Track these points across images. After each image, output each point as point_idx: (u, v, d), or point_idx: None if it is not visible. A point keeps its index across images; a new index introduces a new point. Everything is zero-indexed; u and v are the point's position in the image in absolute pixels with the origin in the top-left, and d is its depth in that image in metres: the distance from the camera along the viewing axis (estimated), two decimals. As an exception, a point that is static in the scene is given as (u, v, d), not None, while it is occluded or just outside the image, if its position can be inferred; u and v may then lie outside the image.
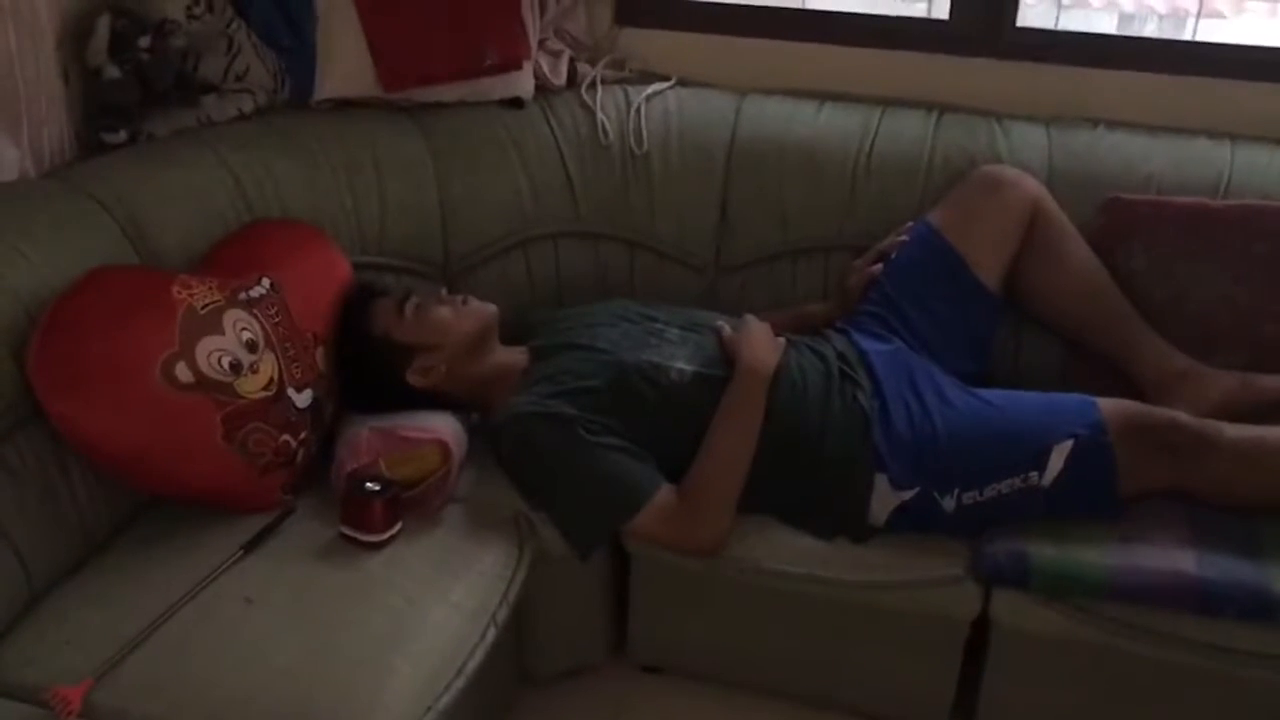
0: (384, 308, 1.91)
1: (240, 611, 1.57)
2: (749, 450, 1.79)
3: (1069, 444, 1.74)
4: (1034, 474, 1.75)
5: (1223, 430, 1.76)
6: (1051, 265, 2.02)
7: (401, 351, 1.88)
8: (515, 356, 1.97)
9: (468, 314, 1.93)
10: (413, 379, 1.89)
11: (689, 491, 1.78)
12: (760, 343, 1.89)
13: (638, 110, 2.31)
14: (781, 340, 1.92)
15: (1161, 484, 1.76)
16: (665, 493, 1.77)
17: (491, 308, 1.97)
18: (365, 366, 1.90)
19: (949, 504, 1.77)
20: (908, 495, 1.78)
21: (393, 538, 1.70)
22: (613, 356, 1.87)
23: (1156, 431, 1.76)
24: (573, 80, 2.40)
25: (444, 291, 2.00)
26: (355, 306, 1.92)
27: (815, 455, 1.81)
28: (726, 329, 1.93)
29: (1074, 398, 1.83)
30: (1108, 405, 1.79)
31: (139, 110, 1.99)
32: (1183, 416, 1.77)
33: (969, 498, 1.77)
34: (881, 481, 1.78)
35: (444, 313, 1.92)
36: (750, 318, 1.96)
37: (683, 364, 1.87)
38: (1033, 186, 2.04)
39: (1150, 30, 3.11)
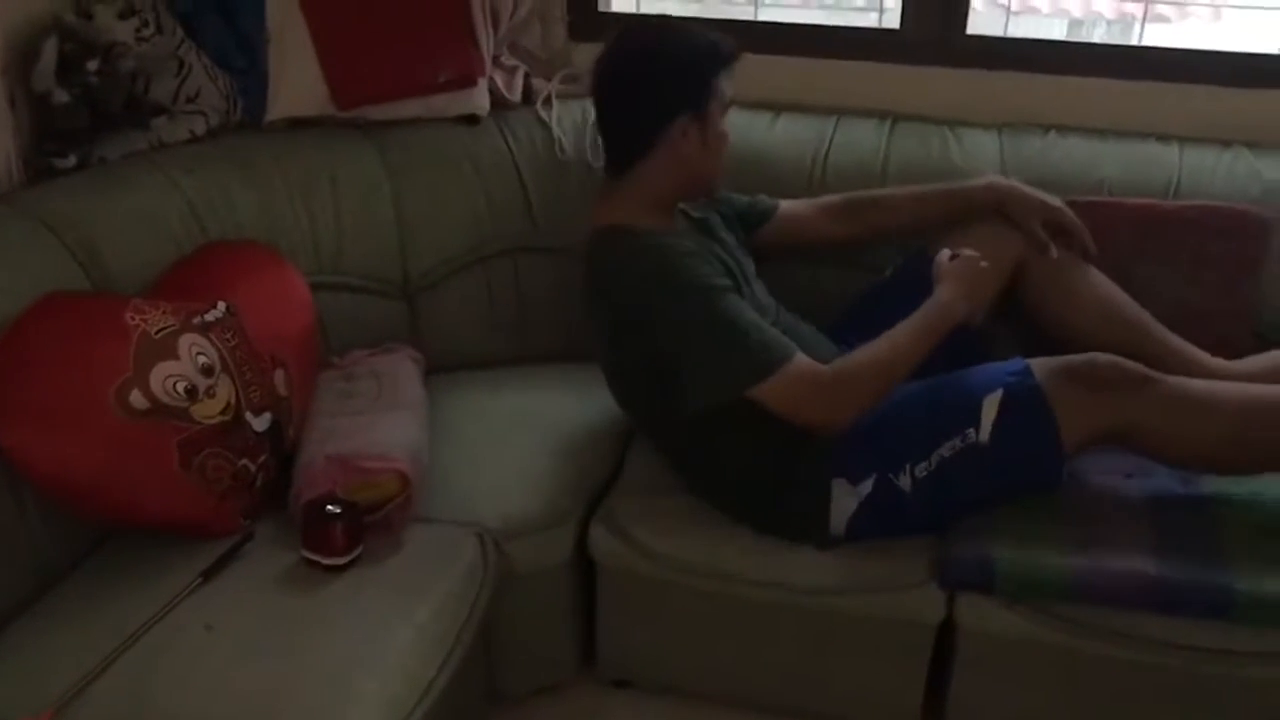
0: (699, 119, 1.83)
1: (201, 639, 1.54)
2: (909, 366, 1.76)
3: (999, 393, 1.75)
4: (971, 431, 1.75)
5: (1163, 375, 1.76)
6: (1064, 297, 1.99)
7: (707, 113, 1.82)
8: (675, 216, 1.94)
9: (710, 169, 1.89)
10: (676, 132, 1.81)
11: (844, 370, 1.74)
12: (962, 285, 1.82)
13: (594, 124, 2.32)
14: (989, 291, 1.86)
15: (1104, 426, 1.75)
16: (802, 359, 1.73)
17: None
18: (684, 77, 1.83)
19: (905, 482, 1.77)
20: (867, 488, 1.78)
21: (355, 560, 1.69)
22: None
23: (1088, 370, 1.75)
24: (528, 96, 2.41)
25: (727, 123, 1.90)
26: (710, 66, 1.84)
27: (772, 473, 1.81)
28: (945, 255, 1.87)
29: (1002, 362, 1.83)
30: (1037, 360, 1.80)
31: (89, 134, 1.97)
32: (1111, 355, 1.77)
33: (920, 470, 1.76)
34: (839, 486, 1.78)
35: (699, 150, 1.85)
36: (973, 256, 1.85)
37: None
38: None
39: (1099, 35, 3.16)
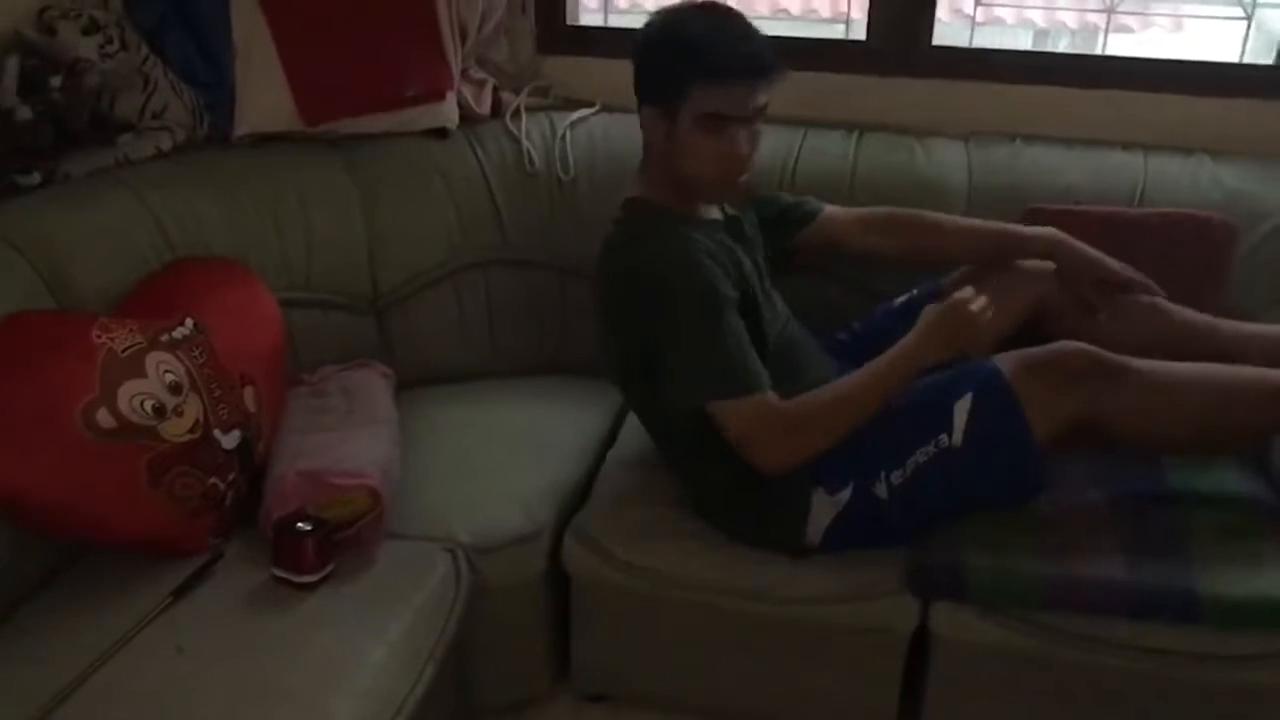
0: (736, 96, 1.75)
1: (171, 660, 1.53)
2: (867, 412, 1.74)
3: (968, 397, 1.75)
4: (944, 436, 1.75)
5: (1130, 359, 1.76)
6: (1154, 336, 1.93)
7: (678, 113, 1.75)
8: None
9: (724, 180, 1.81)
10: (646, 119, 1.78)
11: (801, 415, 1.74)
12: (940, 332, 1.75)
13: (563, 137, 2.33)
14: (983, 333, 1.76)
15: (1073, 416, 1.74)
16: (771, 396, 1.73)
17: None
18: (655, 69, 1.77)
19: (882, 490, 1.77)
20: (845, 496, 1.77)
21: (326, 578, 1.68)
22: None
23: (1055, 363, 1.75)
24: (497, 109, 2.40)
25: (753, 131, 1.80)
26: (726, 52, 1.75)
27: (759, 478, 1.81)
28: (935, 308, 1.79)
29: (973, 364, 1.81)
30: (1004, 355, 1.78)
31: (53, 151, 1.95)
32: (1081, 343, 1.77)
33: (896, 477, 1.76)
34: (817, 495, 1.78)
35: (703, 149, 1.76)
36: (961, 299, 1.74)
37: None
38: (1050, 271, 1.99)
39: (1063, 45, 3.19)
